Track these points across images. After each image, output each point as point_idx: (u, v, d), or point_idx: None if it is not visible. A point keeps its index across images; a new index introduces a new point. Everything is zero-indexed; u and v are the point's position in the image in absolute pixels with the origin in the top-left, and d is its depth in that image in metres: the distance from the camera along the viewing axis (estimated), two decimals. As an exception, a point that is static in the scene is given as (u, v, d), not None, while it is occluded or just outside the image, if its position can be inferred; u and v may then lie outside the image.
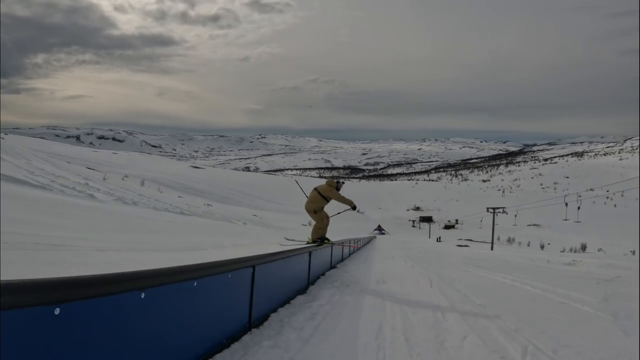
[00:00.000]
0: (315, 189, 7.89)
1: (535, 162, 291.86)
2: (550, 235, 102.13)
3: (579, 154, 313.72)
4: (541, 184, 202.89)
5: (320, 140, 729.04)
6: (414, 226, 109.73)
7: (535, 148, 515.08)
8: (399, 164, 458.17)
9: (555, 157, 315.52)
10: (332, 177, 12.68)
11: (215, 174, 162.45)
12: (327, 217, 8.28)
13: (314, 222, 8.24)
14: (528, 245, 79.15)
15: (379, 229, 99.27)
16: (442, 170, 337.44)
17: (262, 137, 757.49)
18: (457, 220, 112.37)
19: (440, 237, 62.65)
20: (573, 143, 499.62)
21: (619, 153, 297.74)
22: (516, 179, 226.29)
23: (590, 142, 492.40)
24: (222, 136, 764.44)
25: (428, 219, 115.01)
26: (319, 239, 7.98)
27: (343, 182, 8.40)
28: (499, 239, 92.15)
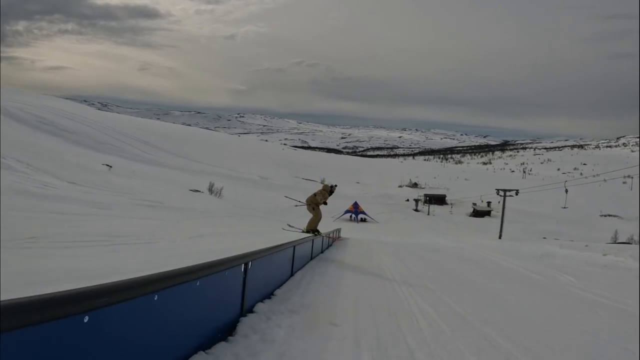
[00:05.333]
0: (314, 193, 9.41)
1: (536, 150, 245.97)
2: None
3: (580, 146, 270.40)
4: (558, 169, 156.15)
5: (300, 123, 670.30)
6: (417, 210, 57.78)
7: (519, 141, 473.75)
8: (379, 148, 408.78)
9: (554, 147, 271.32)
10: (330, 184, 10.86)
11: (124, 119, 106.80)
12: (320, 215, 9.49)
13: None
14: None
15: (355, 210, 46.94)
16: (428, 154, 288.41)
17: (240, 116, 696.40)
18: (489, 204, 61.31)
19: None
20: (558, 141, 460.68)
21: (624, 146, 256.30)
22: (523, 163, 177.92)
23: (575, 142, 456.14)
24: (199, 113, 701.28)
25: (440, 200, 63.52)
26: (312, 230, 9.05)
27: (336, 185, 9.94)
28: (616, 240, 39.90)
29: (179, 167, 63.93)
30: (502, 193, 29.13)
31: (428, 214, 54.89)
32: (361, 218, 44.93)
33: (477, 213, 56.60)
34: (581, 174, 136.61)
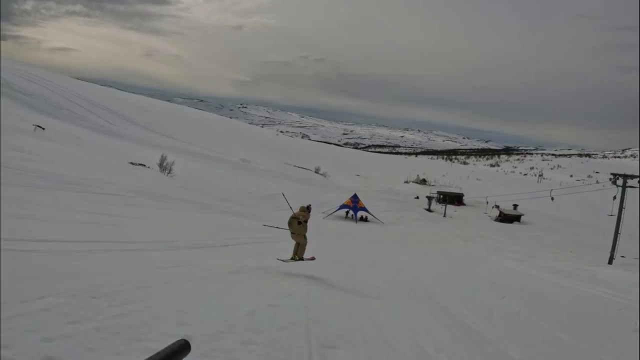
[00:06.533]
0: (297, 220, 7.79)
1: (543, 155, 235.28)
2: None
3: (588, 155, 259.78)
4: (571, 175, 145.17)
5: (302, 117, 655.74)
6: (429, 209, 46.22)
7: (522, 148, 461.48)
8: (381, 146, 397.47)
9: (561, 155, 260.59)
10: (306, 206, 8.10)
11: (102, 90, 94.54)
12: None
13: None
14: None
15: (354, 205, 34.84)
16: (430, 154, 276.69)
17: (243, 107, 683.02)
18: (515, 206, 49.95)
19: None
20: (561, 150, 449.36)
21: (633, 158, 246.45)
22: (532, 168, 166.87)
23: (578, 151, 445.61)
24: (202, 101, 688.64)
25: (456, 199, 52.22)
26: (301, 258, 8.02)
27: (310, 205, 8.58)
28: None
29: (145, 142, 52.51)
30: (620, 181, 17.14)
31: (444, 216, 43.33)
32: (361, 216, 33.35)
33: (505, 217, 45.11)
34: (597, 181, 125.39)
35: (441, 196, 52.13)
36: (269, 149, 76.08)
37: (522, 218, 47.47)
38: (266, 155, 66.76)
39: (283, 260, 7.65)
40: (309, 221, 7.84)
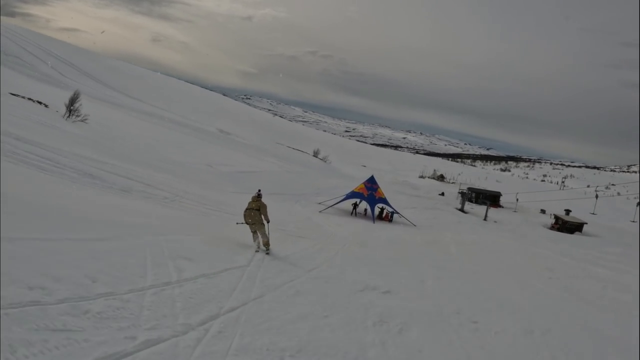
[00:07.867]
0: (256, 210, 7.70)
1: (553, 164, 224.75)
2: None
3: (596, 168, 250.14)
4: (588, 185, 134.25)
5: (305, 112, 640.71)
6: (463, 210, 33.93)
7: (524, 157, 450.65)
8: (383, 145, 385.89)
9: (572, 165, 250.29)
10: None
11: (80, 51, 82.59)
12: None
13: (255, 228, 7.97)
14: None
15: (370, 194, 21.00)
16: (434, 155, 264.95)
17: (247, 98, 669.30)
18: (568, 212, 38.02)
19: None
20: (564, 162, 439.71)
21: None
22: (545, 175, 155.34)
23: (582, 164, 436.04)
24: (206, 89, 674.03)
25: (493, 198, 40.21)
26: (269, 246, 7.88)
27: (259, 190, 8.54)
28: None
29: (94, 96, 40.56)
30: None
31: (485, 219, 31.37)
32: (381, 209, 21.02)
33: (564, 226, 33.10)
34: (618, 193, 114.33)
35: (473, 194, 40.19)
36: (263, 128, 63.97)
37: (586, 228, 35.54)
38: (257, 133, 54.65)
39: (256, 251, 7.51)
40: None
